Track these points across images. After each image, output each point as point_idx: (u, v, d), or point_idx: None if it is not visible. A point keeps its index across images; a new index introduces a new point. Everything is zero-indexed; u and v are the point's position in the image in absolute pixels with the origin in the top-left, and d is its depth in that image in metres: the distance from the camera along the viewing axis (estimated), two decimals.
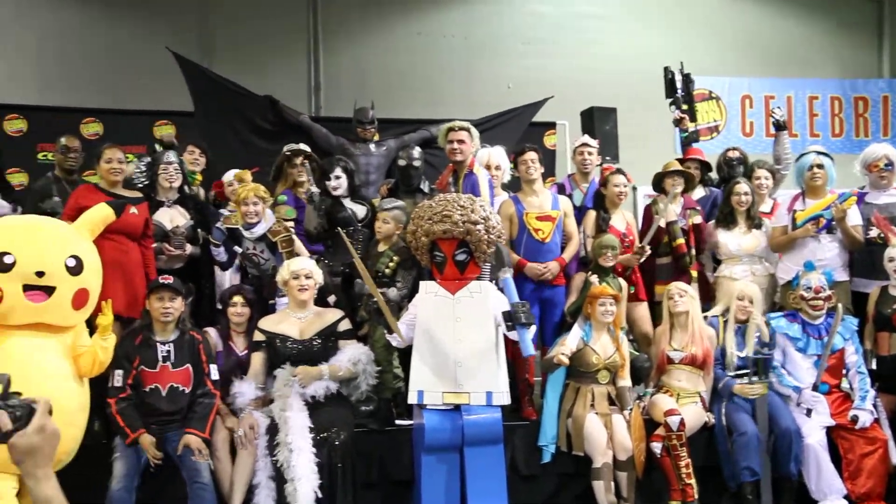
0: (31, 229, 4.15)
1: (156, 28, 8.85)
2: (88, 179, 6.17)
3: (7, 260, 3.93)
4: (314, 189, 5.83)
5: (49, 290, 4.01)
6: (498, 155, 6.14)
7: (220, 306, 5.31)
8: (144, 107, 8.24)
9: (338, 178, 5.68)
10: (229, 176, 6.12)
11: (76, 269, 4.11)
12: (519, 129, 7.85)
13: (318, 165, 5.96)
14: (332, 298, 5.37)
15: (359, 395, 4.93)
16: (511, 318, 4.25)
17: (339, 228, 5.42)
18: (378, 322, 4.79)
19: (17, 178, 6.72)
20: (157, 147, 6.21)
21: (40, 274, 3.97)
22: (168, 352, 4.63)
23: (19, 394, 1.94)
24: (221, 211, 5.90)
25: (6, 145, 7.21)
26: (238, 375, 4.88)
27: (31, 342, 4.02)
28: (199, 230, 5.62)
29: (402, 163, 5.97)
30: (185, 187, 5.73)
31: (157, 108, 8.17)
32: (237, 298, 5.07)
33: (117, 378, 4.51)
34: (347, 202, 5.70)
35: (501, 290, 4.48)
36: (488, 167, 5.94)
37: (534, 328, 4.45)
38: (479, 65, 9.83)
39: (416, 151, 6.02)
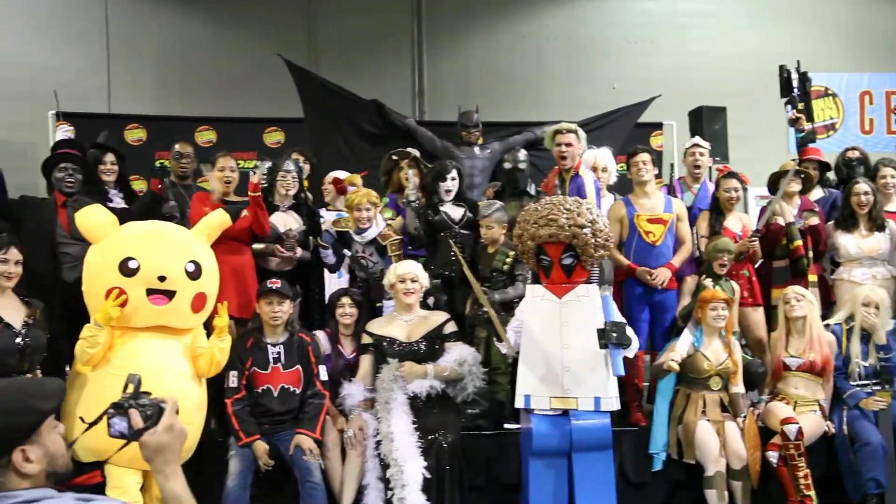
0: (154, 236, 4.35)
1: (265, 38, 9.06)
2: (203, 186, 6.38)
3: (132, 265, 4.13)
4: (415, 193, 5.87)
5: (170, 294, 4.19)
6: (604, 156, 6.06)
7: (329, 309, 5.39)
8: (255, 114, 8.45)
9: (453, 179, 5.71)
10: (329, 177, 6.22)
11: (195, 274, 4.28)
12: (625, 130, 7.72)
13: (427, 168, 6.00)
14: (430, 301, 5.40)
15: (465, 396, 4.93)
16: (603, 337, 4.20)
17: (442, 233, 5.47)
18: (489, 332, 4.78)
19: (137, 185, 6.98)
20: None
21: (162, 279, 4.15)
22: (278, 353, 4.73)
23: (149, 394, 2.01)
24: (321, 211, 5.98)
25: (127, 154, 7.52)
26: (347, 378, 4.96)
27: (153, 343, 4.21)
28: (310, 236, 5.73)
29: (507, 165, 5.96)
30: (302, 194, 5.84)
31: (267, 116, 8.36)
32: (345, 300, 5.14)
33: (232, 379, 4.63)
34: (445, 206, 5.71)
35: None
36: (594, 169, 5.86)
37: (634, 346, 4.37)
38: (583, 65, 9.72)
39: (522, 154, 6.00)
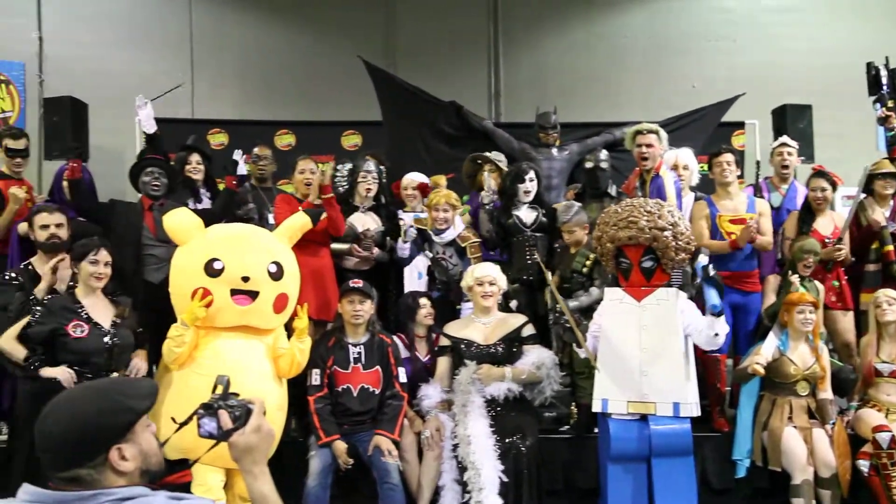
0: (238, 238, 4.46)
1: (343, 42, 9.15)
2: (283, 188, 6.49)
3: (217, 266, 4.24)
4: (490, 196, 5.87)
5: (253, 295, 4.28)
6: (686, 155, 5.96)
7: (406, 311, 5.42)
8: (333, 118, 8.55)
9: (532, 180, 5.69)
10: (408, 178, 6.26)
11: (277, 275, 4.36)
12: (706, 130, 7.56)
13: (506, 170, 5.99)
14: (514, 304, 5.39)
15: (543, 399, 4.90)
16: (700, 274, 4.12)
17: (516, 237, 5.45)
18: (569, 339, 4.75)
19: (219, 188, 7.12)
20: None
21: (246, 279, 4.24)
22: (359, 353, 4.76)
23: (237, 395, 2.05)
24: (399, 213, 6.03)
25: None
26: (423, 381, 4.98)
27: (237, 343, 4.31)
28: (387, 237, 5.77)
29: (588, 165, 5.91)
30: (382, 196, 5.89)
31: (345, 119, 8.44)
32: (423, 300, 5.17)
33: (315, 377, 4.69)
34: (519, 209, 5.68)
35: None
36: (675, 168, 5.77)
37: (722, 334, 4.25)
38: (662, 64, 9.54)
39: (603, 154, 5.95)
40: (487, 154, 6.27)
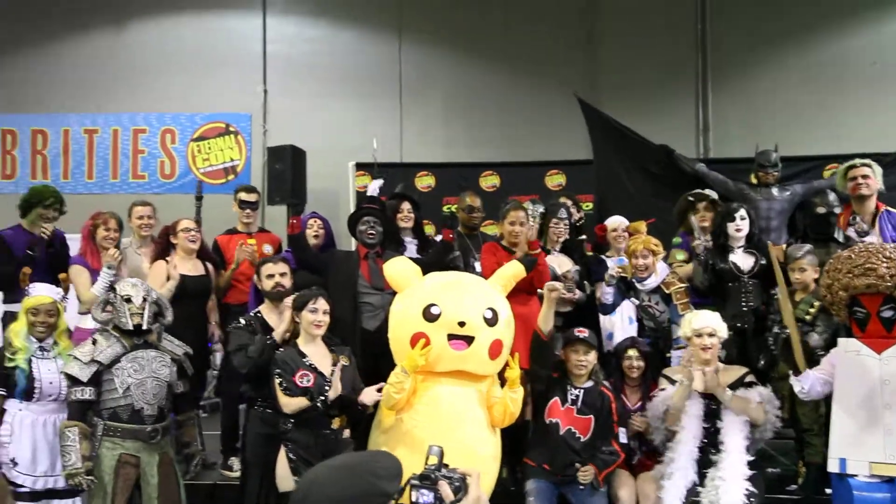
0: (455, 284, 4.57)
1: (546, 80, 9.23)
2: (486, 230, 6.55)
3: (434, 311, 4.34)
4: (702, 244, 5.66)
5: (469, 340, 4.33)
6: None
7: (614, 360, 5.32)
8: (536, 158, 8.57)
9: (743, 219, 5.45)
10: (613, 221, 6.15)
11: (492, 321, 4.40)
12: None
13: (719, 211, 5.77)
14: (722, 353, 5.14)
15: (760, 442, 4.64)
16: None
17: (731, 283, 5.25)
18: (784, 359, 4.46)
19: (427, 230, 7.31)
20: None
21: (462, 324, 4.30)
22: (577, 397, 4.75)
23: (447, 465, 2.01)
24: (603, 257, 5.94)
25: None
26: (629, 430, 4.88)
27: (454, 389, 4.37)
28: (584, 280, 5.69)
29: (820, 210, 5.52)
30: (569, 241, 5.82)
31: (549, 159, 8.45)
32: (632, 352, 5.04)
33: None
34: (734, 254, 5.42)
35: None
36: None
37: None
38: (889, 92, 8.87)
39: (832, 197, 5.57)
40: (704, 192, 6.04)
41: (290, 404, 4.20)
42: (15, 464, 4.35)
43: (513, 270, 4.77)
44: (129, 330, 4.35)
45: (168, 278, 5.35)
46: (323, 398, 4.18)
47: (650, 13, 9.30)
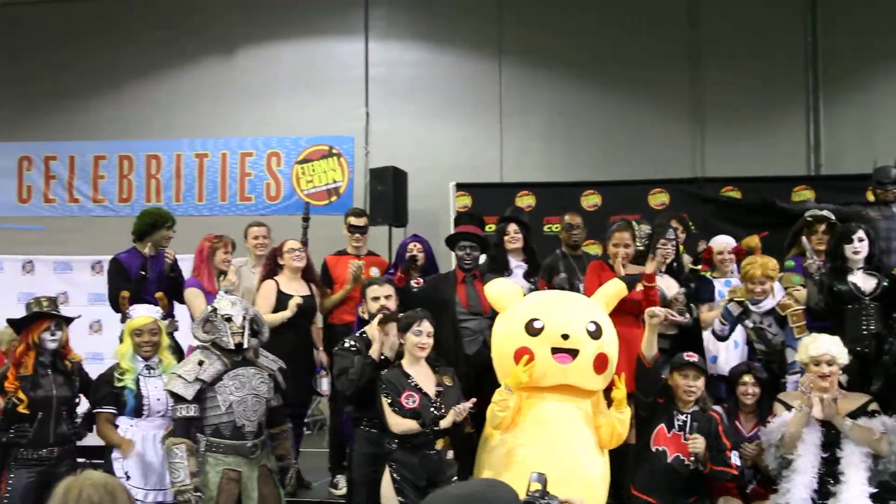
0: (557, 299, 4.65)
1: (649, 99, 9.13)
2: (589, 249, 6.48)
3: (537, 325, 4.35)
4: (816, 264, 5.44)
5: (573, 353, 4.31)
6: None
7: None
8: (639, 176, 8.44)
9: (861, 240, 5.22)
10: (720, 243, 5.99)
11: (596, 334, 4.39)
12: None
13: (836, 231, 5.55)
14: (843, 378, 4.92)
15: (884, 472, 4.39)
16: None
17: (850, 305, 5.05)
18: None
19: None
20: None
21: (565, 337, 4.30)
22: (684, 422, 4.64)
23: (548, 492, 1.98)
24: (710, 277, 5.80)
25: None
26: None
27: (559, 406, 4.35)
28: (690, 303, 5.55)
29: None
30: (674, 262, 5.69)
31: (652, 178, 8.30)
32: (747, 378, 4.89)
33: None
34: (854, 275, 5.19)
35: None
36: None
37: None
38: None
39: None
40: (822, 212, 5.80)
41: (400, 424, 4.24)
42: (128, 478, 4.52)
43: (615, 288, 4.72)
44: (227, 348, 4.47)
45: (276, 300, 5.47)
46: (436, 427, 4.21)
47: (756, 28, 9.09)
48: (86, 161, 10.15)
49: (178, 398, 4.35)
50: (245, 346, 4.49)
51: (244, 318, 4.51)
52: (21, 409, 4.51)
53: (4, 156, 10.24)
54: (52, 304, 4.79)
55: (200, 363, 4.42)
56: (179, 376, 4.38)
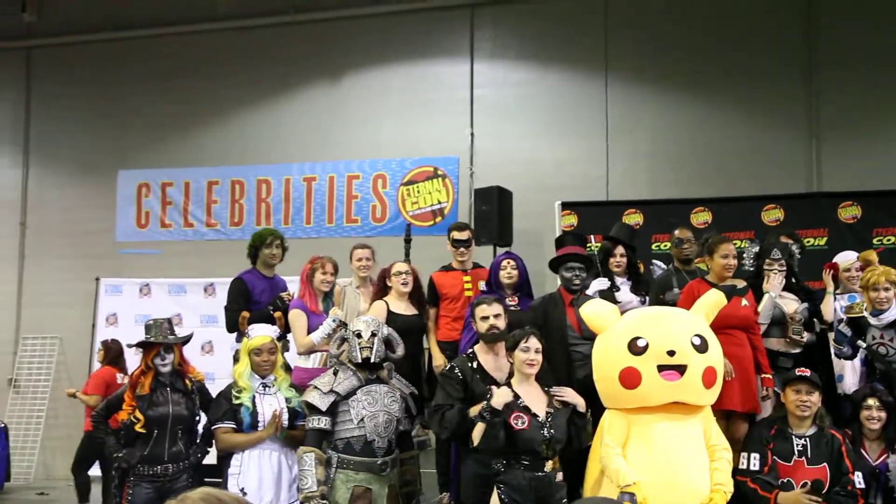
0: (657, 315, 4.64)
1: (762, 115, 8.96)
2: (700, 266, 6.40)
3: (641, 343, 4.35)
4: None
5: (681, 369, 4.28)
6: None
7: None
8: (751, 192, 8.33)
9: None
10: (846, 259, 5.83)
11: (702, 347, 4.36)
12: None
13: None
14: None
15: None
16: None
17: None
18: None
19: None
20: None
21: (671, 353, 4.28)
22: (804, 446, 4.55)
23: None
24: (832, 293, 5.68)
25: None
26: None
27: (670, 426, 4.31)
28: (814, 318, 5.43)
29: None
30: (793, 278, 5.56)
31: (765, 193, 8.18)
32: (871, 401, 4.73)
33: (753, 461, 4.56)
34: None
35: None
36: None
37: None
38: None
39: None
40: None
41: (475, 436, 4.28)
42: (244, 493, 4.71)
43: (713, 299, 4.67)
44: (360, 364, 4.63)
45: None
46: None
47: (873, 41, 8.81)
48: (200, 186, 10.62)
49: (312, 409, 4.54)
50: (373, 360, 4.65)
51: (374, 334, 4.69)
52: (138, 427, 4.75)
53: (126, 183, 10.82)
54: (163, 329, 4.95)
55: (336, 373, 4.62)
56: (316, 388, 4.60)
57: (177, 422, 4.85)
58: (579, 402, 4.47)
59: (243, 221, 10.46)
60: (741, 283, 5.38)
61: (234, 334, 6.02)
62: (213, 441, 4.92)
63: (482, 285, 6.20)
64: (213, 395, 5.08)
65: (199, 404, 5.02)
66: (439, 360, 5.85)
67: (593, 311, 4.70)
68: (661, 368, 4.27)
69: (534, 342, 4.42)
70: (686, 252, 6.05)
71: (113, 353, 7.77)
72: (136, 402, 4.79)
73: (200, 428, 5.06)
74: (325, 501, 4.38)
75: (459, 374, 4.70)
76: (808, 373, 4.59)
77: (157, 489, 4.73)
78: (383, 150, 10.13)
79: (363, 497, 4.46)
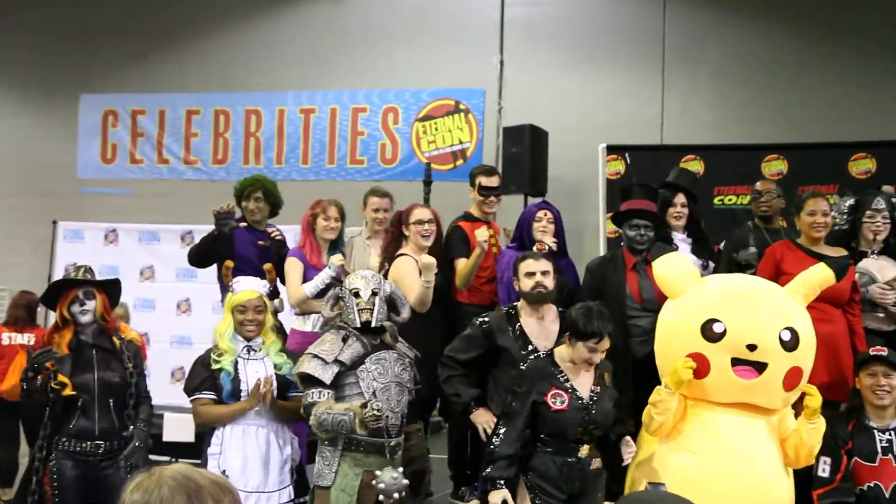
0: (745, 295, 4.30)
1: (852, 46, 8.78)
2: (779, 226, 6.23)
3: (717, 329, 4.10)
4: None
5: (760, 367, 4.07)
6: None
7: None
8: (835, 139, 8.16)
9: None
10: None
11: (791, 344, 4.11)
12: None
13: None
14: None
15: None
16: None
17: None
18: None
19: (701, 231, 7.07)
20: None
21: (752, 347, 4.05)
22: (889, 442, 4.38)
23: None
24: None
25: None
26: None
27: (736, 420, 4.13)
28: None
29: None
30: (891, 238, 5.39)
31: (852, 140, 7.99)
32: None
33: (823, 467, 4.38)
34: None
35: None
36: None
37: None
38: None
39: None
40: None
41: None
42: (226, 476, 4.55)
43: (820, 276, 4.43)
44: (359, 328, 4.46)
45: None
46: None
47: None
48: (177, 116, 10.48)
49: (312, 381, 4.35)
50: (374, 324, 4.48)
51: (374, 293, 4.50)
52: (66, 392, 4.41)
53: (88, 110, 10.68)
54: (84, 273, 4.69)
55: (345, 339, 4.43)
56: (316, 356, 4.37)
57: (105, 389, 4.60)
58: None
59: (228, 159, 10.31)
60: (840, 251, 5.20)
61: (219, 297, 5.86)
62: (193, 414, 4.76)
63: (501, 241, 6.07)
64: (192, 364, 4.88)
65: (132, 371, 4.76)
66: (483, 235, 5.65)
67: (668, 270, 4.43)
68: (735, 362, 4.06)
69: (605, 345, 4.21)
70: (763, 207, 5.87)
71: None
72: (53, 365, 4.53)
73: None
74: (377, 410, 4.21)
75: (484, 334, 4.73)
76: (884, 351, 4.40)
77: (83, 471, 4.49)
78: (395, 79, 9.98)
79: (372, 489, 4.32)
